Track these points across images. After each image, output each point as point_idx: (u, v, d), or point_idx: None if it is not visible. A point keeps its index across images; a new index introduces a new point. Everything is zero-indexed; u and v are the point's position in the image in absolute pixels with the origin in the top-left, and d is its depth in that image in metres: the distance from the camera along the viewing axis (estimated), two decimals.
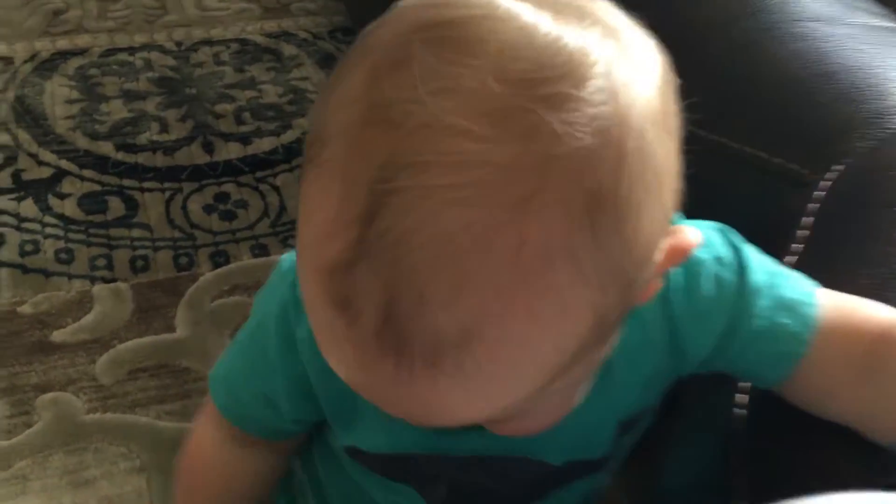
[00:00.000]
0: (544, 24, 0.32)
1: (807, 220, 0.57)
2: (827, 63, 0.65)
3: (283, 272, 0.48)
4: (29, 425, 1.00)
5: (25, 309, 1.13)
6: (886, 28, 0.71)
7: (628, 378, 0.44)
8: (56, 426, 1.00)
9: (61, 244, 1.23)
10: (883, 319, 0.45)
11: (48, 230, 1.24)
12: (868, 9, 0.75)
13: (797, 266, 0.54)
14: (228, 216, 1.29)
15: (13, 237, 1.23)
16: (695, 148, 0.68)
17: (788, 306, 0.44)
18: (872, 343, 0.44)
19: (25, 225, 1.25)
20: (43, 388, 1.04)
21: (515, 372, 0.33)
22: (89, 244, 1.23)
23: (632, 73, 0.33)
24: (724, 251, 0.45)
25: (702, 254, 0.44)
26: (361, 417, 0.47)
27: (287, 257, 0.48)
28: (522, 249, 0.30)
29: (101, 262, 1.21)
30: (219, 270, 1.21)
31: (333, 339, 0.34)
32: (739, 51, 0.67)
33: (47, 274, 1.18)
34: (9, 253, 1.21)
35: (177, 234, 1.26)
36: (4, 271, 1.18)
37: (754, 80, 0.66)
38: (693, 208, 0.68)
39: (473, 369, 0.32)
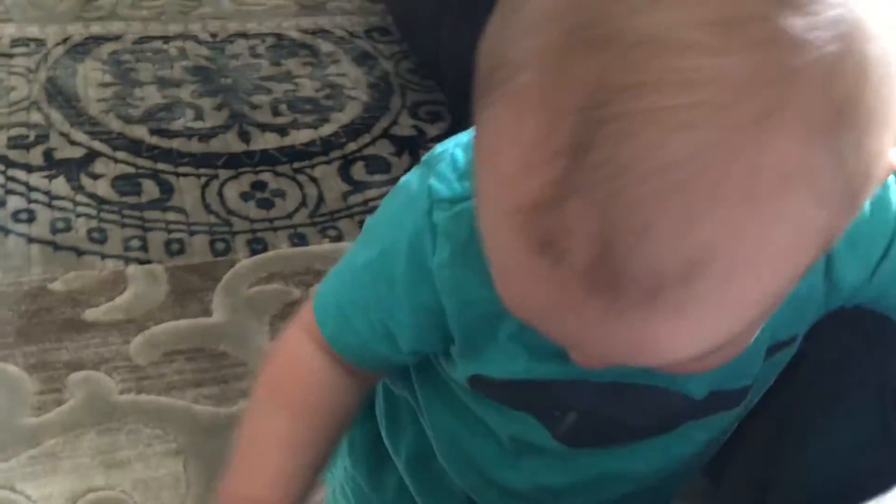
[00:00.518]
0: None
1: None
2: None
3: (411, 197, 0.43)
4: (59, 403, 0.96)
5: (57, 286, 1.09)
6: None
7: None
8: (88, 405, 0.96)
9: (94, 223, 1.19)
10: None
11: (80, 209, 1.21)
12: None
13: None
14: (266, 204, 1.26)
15: (44, 214, 1.19)
16: None
17: None
18: None
19: (57, 203, 1.21)
20: (75, 366, 1.00)
21: (737, 307, 0.30)
22: (123, 225, 1.19)
23: None
24: None
25: None
26: (498, 346, 0.43)
27: (412, 179, 0.44)
28: (760, 174, 0.27)
29: (136, 243, 1.17)
30: (256, 258, 1.17)
31: (529, 281, 0.30)
32: None
33: (79, 252, 1.14)
34: (39, 229, 1.17)
35: (213, 219, 1.22)
36: (35, 248, 1.14)
37: None
38: None
39: (694, 307, 0.29)
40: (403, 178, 0.45)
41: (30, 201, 1.21)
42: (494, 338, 0.43)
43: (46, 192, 1.22)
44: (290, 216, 1.24)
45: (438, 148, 0.45)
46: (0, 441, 0.91)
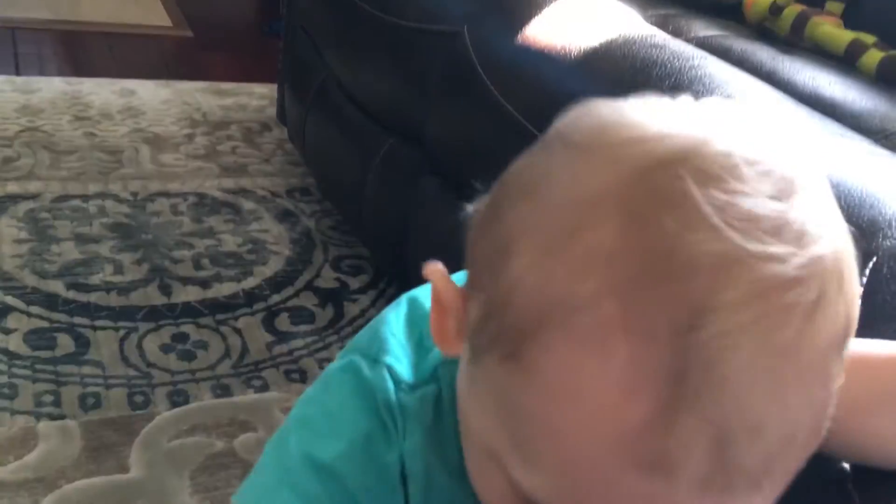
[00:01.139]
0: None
1: None
2: (845, 173, 0.69)
3: (363, 385, 0.44)
4: None
5: None
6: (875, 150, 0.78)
7: None
8: None
9: (4, 378, 1.13)
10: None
11: None
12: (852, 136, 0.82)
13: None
14: (187, 356, 1.23)
15: None
16: None
17: None
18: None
19: None
20: None
21: (797, 464, 0.34)
22: (35, 380, 1.14)
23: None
24: None
25: None
26: None
27: (359, 367, 0.45)
28: (821, 354, 0.32)
29: (48, 398, 1.12)
30: (177, 410, 1.13)
31: (625, 496, 0.32)
32: None
33: None
34: None
35: (131, 372, 1.18)
36: None
37: None
38: None
39: (782, 473, 0.33)
40: (333, 368, 0.47)
41: None
42: None
43: None
44: (212, 367, 1.22)
45: (365, 336, 0.47)
46: None
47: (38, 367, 1.16)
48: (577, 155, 0.34)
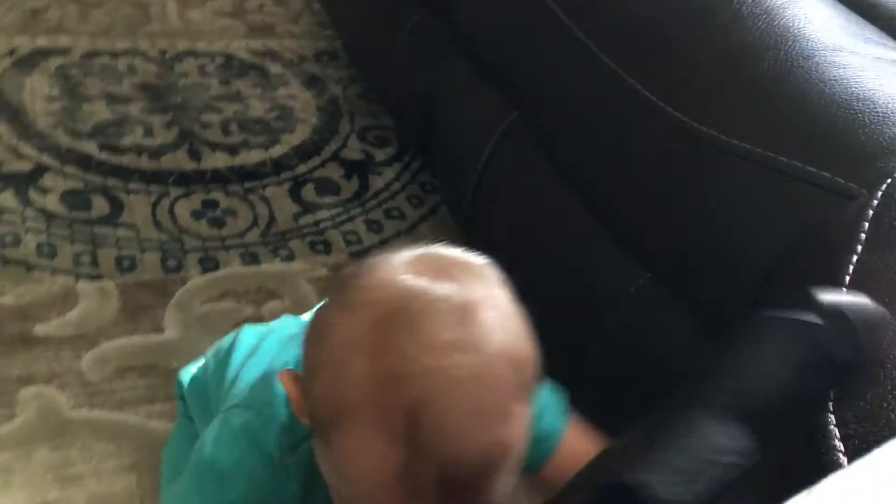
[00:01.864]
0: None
1: (862, 226, 0.61)
2: (867, 89, 0.70)
3: (252, 441, 0.64)
4: (10, 418, 0.96)
5: (6, 300, 1.09)
6: None
7: None
8: (40, 420, 0.96)
9: (43, 238, 1.18)
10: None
11: (29, 223, 1.20)
12: (886, 44, 0.80)
13: (860, 264, 0.58)
14: (217, 223, 1.27)
15: None
16: (741, 160, 0.71)
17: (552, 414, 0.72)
18: None
19: (5, 217, 1.20)
20: (26, 382, 1.00)
21: (509, 475, 0.53)
22: (73, 240, 1.19)
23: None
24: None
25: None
26: None
27: (250, 423, 0.65)
28: (508, 407, 0.52)
29: (86, 258, 1.17)
30: (208, 275, 1.19)
31: None
32: (786, 73, 0.71)
33: (29, 266, 1.14)
34: None
35: (164, 236, 1.23)
36: None
37: (802, 101, 0.70)
38: (737, 217, 0.72)
39: (495, 480, 0.52)
40: (210, 435, 0.67)
41: None
42: None
43: None
44: (241, 235, 1.26)
45: (235, 415, 0.67)
46: None
47: (76, 227, 1.21)
48: (340, 311, 0.54)
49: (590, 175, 0.91)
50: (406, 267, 0.53)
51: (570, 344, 0.92)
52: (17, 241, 1.17)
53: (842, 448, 0.55)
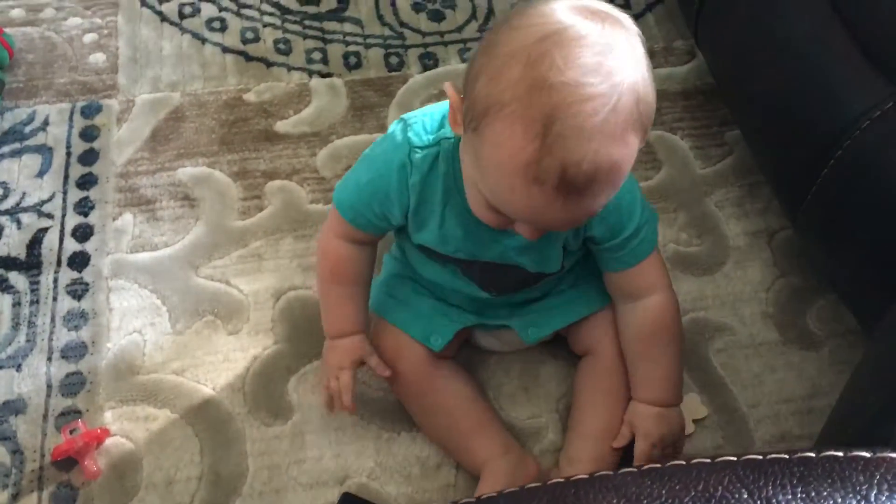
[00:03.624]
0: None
1: None
2: None
3: (397, 144, 0.79)
4: (261, 209, 1.09)
5: (250, 97, 1.20)
6: None
7: None
8: (285, 212, 1.09)
9: (279, 34, 1.27)
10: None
11: (266, 18, 1.28)
12: None
13: None
14: (436, 16, 1.29)
15: (234, 23, 1.28)
16: None
17: (645, 241, 0.84)
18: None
19: (245, 11, 1.29)
20: (271, 175, 1.12)
21: (610, 188, 0.66)
22: (305, 36, 1.27)
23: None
24: (639, 205, 0.82)
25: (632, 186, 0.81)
26: (429, 230, 0.82)
27: (396, 132, 0.80)
28: (620, 128, 0.62)
29: (317, 55, 1.25)
30: (428, 73, 1.23)
31: (527, 198, 0.64)
32: None
33: (268, 63, 1.24)
34: (232, 39, 1.26)
35: (387, 31, 1.28)
36: (229, 57, 1.24)
37: None
38: None
39: (600, 192, 0.65)
40: (389, 130, 0.81)
41: (220, 9, 1.29)
42: (427, 225, 0.82)
43: (234, 0, 1.30)
44: (459, 29, 1.28)
45: (410, 115, 0.80)
46: (215, 241, 1.06)
47: (307, 22, 1.28)
48: (508, 30, 0.63)
49: None
50: (566, 6, 0.63)
51: (798, 166, 0.88)
52: (256, 37, 1.26)
53: None
